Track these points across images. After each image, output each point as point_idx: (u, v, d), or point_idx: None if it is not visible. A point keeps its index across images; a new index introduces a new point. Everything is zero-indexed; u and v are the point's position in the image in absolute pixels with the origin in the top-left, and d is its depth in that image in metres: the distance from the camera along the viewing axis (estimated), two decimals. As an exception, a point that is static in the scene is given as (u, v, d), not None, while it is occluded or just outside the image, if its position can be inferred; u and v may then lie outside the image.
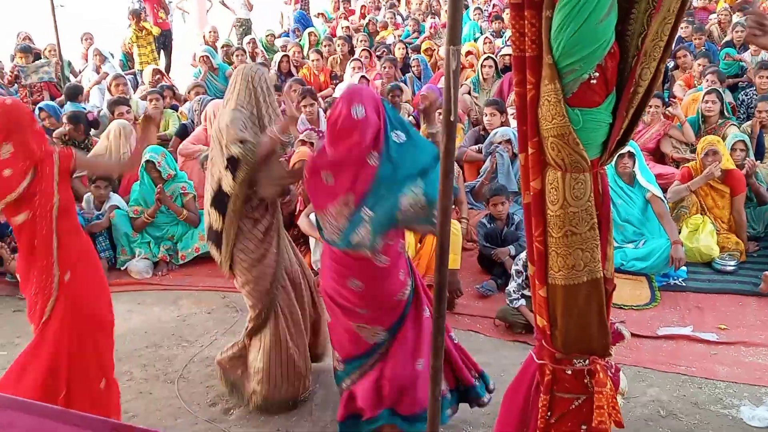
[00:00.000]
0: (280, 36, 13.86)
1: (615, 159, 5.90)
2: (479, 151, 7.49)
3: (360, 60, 10.02)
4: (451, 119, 2.51)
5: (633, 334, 5.12)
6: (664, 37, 2.30)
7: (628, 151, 6.04)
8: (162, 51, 13.35)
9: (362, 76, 8.86)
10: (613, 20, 2.29)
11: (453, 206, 6.72)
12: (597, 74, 2.31)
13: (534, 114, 2.40)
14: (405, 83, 9.55)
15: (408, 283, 3.57)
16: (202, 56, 10.52)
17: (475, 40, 11.33)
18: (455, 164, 7.14)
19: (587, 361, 2.54)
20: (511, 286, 5.27)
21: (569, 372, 2.55)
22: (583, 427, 2.56)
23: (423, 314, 3.60)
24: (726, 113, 7.49)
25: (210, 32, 12.58)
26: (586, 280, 2.47)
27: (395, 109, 8.33)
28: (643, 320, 5.37)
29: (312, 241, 6.14)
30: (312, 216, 6.14)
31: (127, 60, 12.69)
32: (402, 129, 3.37)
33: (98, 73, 10.62)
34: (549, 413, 2.57)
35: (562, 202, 2.41)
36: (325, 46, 11.42)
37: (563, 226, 2.43)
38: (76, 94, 9.06)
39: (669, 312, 5.53)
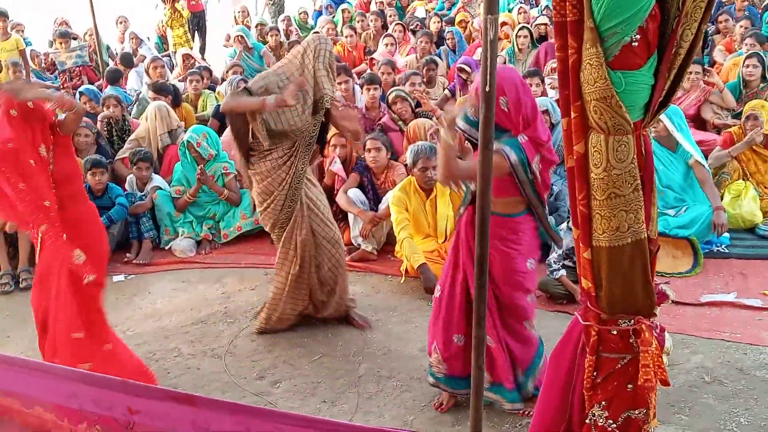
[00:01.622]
0: (321, 10, 13.81)
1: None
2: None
3: (393, 36, 9.99)
4: (488, 89, 2.53)
5: (676, 302, 5.12)
6: (705, -3, 2.29)
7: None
8: (196, 32, 13.44)
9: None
10: (654, -19, 2.27)
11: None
12: (638, 36, 2.30)
13: (576, 78, 2.41)
14: (440, 56, 9.51)
15: None
16: (237, 36, 10.57)
17: (510, 11, 11.21)
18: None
19: (632, 322, 2.56)
20: (552, 257, 5.26)
21: (615, 332, 2.58)
22: (629, 386, 2.59)
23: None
24: (768, 77, 7.34)
25: (239, 12, 12.62)
26: (631, 241, 2.49)
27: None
28: (687, 287, 5.35)
29: (351, 217, 6.20)
30: (351, 192, 6.22)
31: (162, 42, 12.81)
32: None
33: (135, 56, 10.75)
34: (595, 373, 2.61)
35: (606, 165, 2.42)
36: (358, 21, 11.40)
37: (607, 188, 2.44)
38: (116, 77, 9.19)
39: (712, 279, 5.50)
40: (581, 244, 2.54)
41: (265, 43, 10.92)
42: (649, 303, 2.54)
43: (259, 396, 4.28)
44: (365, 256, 6.11)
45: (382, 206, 6.11)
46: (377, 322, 5.09)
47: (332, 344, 4.84)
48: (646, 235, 2.51)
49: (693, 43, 2.32)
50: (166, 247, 6.60)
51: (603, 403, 2.60)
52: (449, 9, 12.63)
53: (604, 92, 2.34)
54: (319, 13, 14.06)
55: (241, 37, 10.46)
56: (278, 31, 11.24)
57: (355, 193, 6.26)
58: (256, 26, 12.16)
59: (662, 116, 5.84)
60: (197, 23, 13.41)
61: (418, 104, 7.38)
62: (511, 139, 3.53)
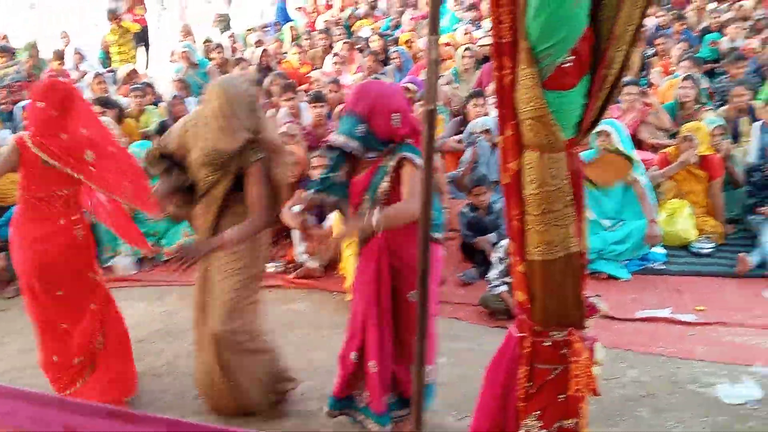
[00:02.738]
0: (264, 29, 13.83)
1: (595, 138, 6.04)
2: (460, 141, 7.57)
3: (340, 54, 10.05)
4: (431, 108, 2.58)
5: (613, 317, 5.25)
6: (634, 21, 2.39)
7: (603, 130, 6.13)
8: (140, 47, 13.31)
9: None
10: (586, 5, 2.37)
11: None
12: (571, 58, 2.40)
13: (511, 98, 2.49)
14: (386, 75, 9.59)
15: None
16: (182, 52, 10.49)
17: (454, 31, 11.39)
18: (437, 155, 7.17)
19: (564, 333, 2.64)
20: (493, 273, 5.35)
21: (548, 344, 2.65)
22: (562, 396, 2.66)
23: None
24: (702, 99, 7.59)
25: (181, 31, 12.56)
26: (563, 255, 2.57)
27: None
28: (624, 303, 5.49)
29: (294, 235, 6.18)
30: (296, 208, 6.18)
31: (106, 58, 12.64)
32: None
33: (77, 71, 10.57)
34: (529, 384, 2.68)
35: (540, 182, 2.50)
36: (305, 39, 11.43)
37: (540, 204, 2.52)
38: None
39: (648, 295, 5.65)
40: (516, 259, 2.62)
41: (210, 59, 10.86)
42: (580, 315, 2.63)
43: (199, 415, 4.22)
44: (309, 273, 6.11)
45: (327, 223, 6.11)
46: (322, 338, 5.08)
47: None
48: (578, 249, 2.59)
49: (623, 65, 2.43)
50: (106, 265, 6.48)
51: (537, 413, 2.67)
52: (395, 28, 12.77)
53: (538, 111, 2.42)
54: (268, 29, 14.05)
55: (186, 52, 10.39)
56: (223, 48, 11.20)
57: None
58: (204, 42, 12.10)
59: (611, 129, 6.06)
60: (141, 39, 13.28)
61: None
62: (409, 146, 3.57)
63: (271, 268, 6.11)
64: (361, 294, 3.67)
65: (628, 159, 6.06)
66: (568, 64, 2.38)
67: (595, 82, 2.45)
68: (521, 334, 2.67)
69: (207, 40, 12.28)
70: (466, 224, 6.18)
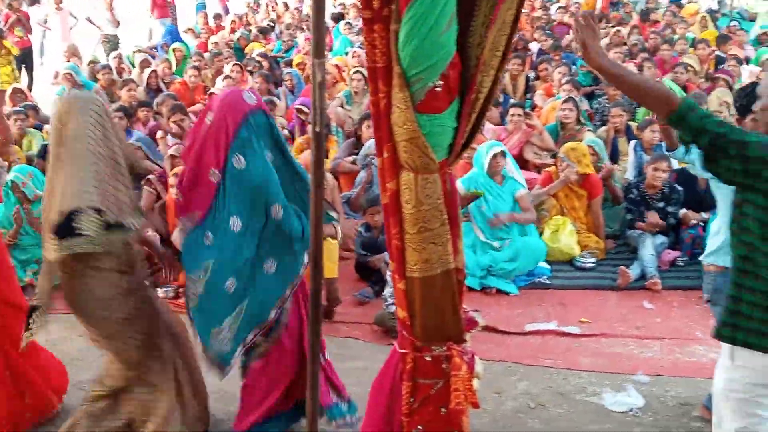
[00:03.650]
0: (153, 49, 13.59)
1: (489, 160, 6.20)
2: (354, 162, 7.64)
3: (231, 76, 9.99)
4: (318, 130, 2.62)
5: (502, 331, 5.39)
6: (500, 47, 2.53)
7: (501, 151, 6.35)
8: (23, 69, 12.82)
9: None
10: (453, 33, 2.48)
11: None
12: (441, 83, 2.50)
13: (387, 120, 2.58)
14: (278, 97, 9.60)
15: None
16: (66, 74, 10.16)
17: (346, 54, 11.52)
18: (330, 175, 7.24)
19: (444, 348, 2.72)
20: (387, 291, 5.40)
21: (428, 358, 2.73)
22: (443, 409, 2.73)
23: None
24: (582, 120, 7.95)
25: (65, 52, 12.19)
26: (440, 271, 2.65)
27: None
28: (512, 318, 5.63)
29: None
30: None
31: (-13, 79, 12.09)
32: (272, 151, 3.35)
33: (-48, 93, 10.08)
34: (412, 399, 2.74)
35: (416, 202, 2.59)
36: (195, 61, 11.30)
37: (417, 223, 2.60)
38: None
39: (535, 309, 5.82)
40: (396, 276, 2.69)
41: (97, 81, 10.57)
42: (458, 329, 2.71)
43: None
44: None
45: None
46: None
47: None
48: (454, 265, 2.68)
49: (491, 89, 2.55)
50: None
51: (420, 427, 2.73)
52: (287, 51, 12.79)
53: (411, 133, 2.51)
54: (158, 50, 13.81)
55: (70, 74, 10.07)
56: (110, 69, 10.93)
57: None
58: (88, 64, 11.76)
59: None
60: (23, 60, 12.80)
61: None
62: None
63: (161, 293, 5.97)
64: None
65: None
66: (438, 89, 2.48)
67: (464, 105, 2.56)
68: (403, 351, 2.73)
69: (92, 61, 11.95)
70: (361, 244, 6.23)
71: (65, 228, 3.12)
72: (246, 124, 3.22)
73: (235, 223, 3.25)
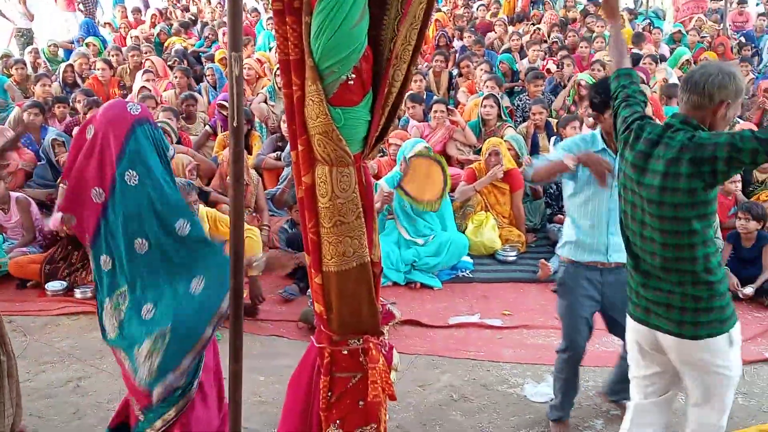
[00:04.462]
0: (69, 43, 13.17)
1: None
2: (278, 158, 7.58)
3: (151, 71, 9.77)
4: (235, 125, 2.57)
5: (426, 325, 5.44)
6: (412, 41, 2.54)
7: (425, 146, 6.39)
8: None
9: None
10: (365, 26, 2.48)
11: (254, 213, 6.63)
12: (353, 76, 2.50)
13: (301, 113, 2.55)
14: (200, 92, 9.45)
15: None
16: (-23, 69, 9.76)
17: (270, 49, 11.40)
18: (255, 172, 7.14)
19: (361, 341, 2.72)
20: (312, 288, 5.37)
21: (345, 352, 2.73)
22: (361, 402, 2.74)
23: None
24: (503, 116, 8.06)
25: None
26: (356, 265, 2.65)
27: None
28: (436, 311, 5.69)
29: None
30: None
31: None
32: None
33: None
34: (329, 393, 2.73)
35: (331, 195, 2.58)
36: (113, 56, 11.00)
37: (333, 216, 2.60)
38: None
39: (459, 302, 5.90)
40: (313, 270, 2.68)
41: (10, 76, 10.18)
42: (374, 322, 2.72)
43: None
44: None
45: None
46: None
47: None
48: (369, 259, 2.68)
49: (404, 83, 2.56)
50: None
51: (338, 421, 2.72)
52: (209, 46, 12.58)
53: (325, 127, 2.50)
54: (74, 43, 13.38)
55: (-18, 69, 9.68)
56: (25, 63, 10.53)
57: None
58: (1, 58, 11.32)
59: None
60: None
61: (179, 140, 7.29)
62: None
63: (78, 294, 5.82)
64: None
65: (437, 161, 6.31)
66: (351, 82, 2.48)
67: (378, 99, 2.56)
68: (320, 345, 2.72)
69: (5, 55, 11.50)
70: (286, 240, 6.19)
71: None
72: (134, 136, 2.88)
73: (141, 244, 2.90)
